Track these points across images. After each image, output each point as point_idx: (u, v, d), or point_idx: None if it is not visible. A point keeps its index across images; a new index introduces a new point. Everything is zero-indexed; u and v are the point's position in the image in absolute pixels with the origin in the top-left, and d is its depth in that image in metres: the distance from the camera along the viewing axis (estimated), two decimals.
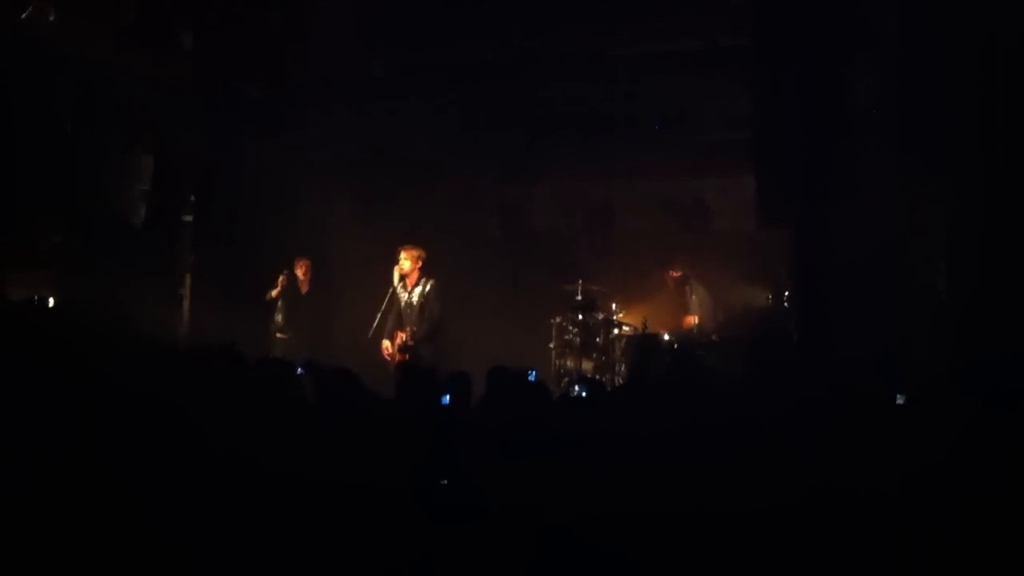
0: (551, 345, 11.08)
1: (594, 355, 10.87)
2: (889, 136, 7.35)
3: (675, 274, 11.46)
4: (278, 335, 10.88)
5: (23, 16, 8.19)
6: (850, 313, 7.22)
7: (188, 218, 11.18)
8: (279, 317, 10.89)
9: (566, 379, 10.72)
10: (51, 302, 9.05)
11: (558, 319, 11.08)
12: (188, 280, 11.22)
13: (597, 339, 10.91)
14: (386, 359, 9.61)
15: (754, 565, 3.22)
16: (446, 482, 3.74)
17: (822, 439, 3.92)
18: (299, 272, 11.21)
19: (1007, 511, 3.19)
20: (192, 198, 11.13)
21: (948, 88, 6.91)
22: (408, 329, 9.55)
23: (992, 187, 6.60)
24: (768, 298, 10.46)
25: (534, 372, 9.99)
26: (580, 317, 10.89)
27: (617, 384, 10.41)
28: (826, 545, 3.21)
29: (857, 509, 3.29)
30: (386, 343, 9.63)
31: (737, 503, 3.39)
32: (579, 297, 10.94)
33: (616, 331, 10.86)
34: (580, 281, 10.96)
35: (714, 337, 10.72)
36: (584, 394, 8.04)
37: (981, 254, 6.59)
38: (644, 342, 10.30)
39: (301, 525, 3.29)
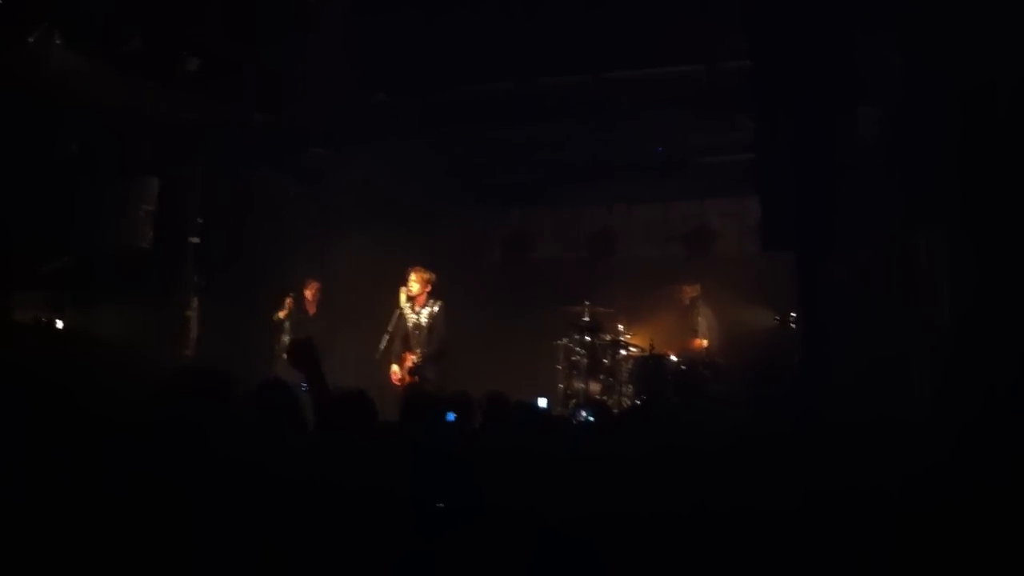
0: (558, 367, 11.06)
1: (601, 376, 10.85)
2: (892, 170, 7.35)
3: (690, 294, 11.44)
4: (284, 356, 10.85)
5: (30, 39, 8.25)
6: (853, 343, 7.20)
7: (195, 240, 11.20)
8: (286, 339, 10.89)
9: (573, 401, 10.70)
10: (59, 324, 9.10)
11: (564, 340, 11.06)
12: (195, 302, 11.22)
13: (604, 360, 10.89)
14: (395, 382, 9.58)
15: (753, 566, 3.21)
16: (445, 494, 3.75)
17: (821, 445, 3.94)
18: (308, 294, 11.26)
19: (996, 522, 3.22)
20: (199, 220, 11.15)
21: (950, 124, 6.90)
22: (416, 350, 9.54)
23: (992, 224, 6.58)
24: (775, 319, 10.43)
25: (545, 400, 10.05)
26: (587, 338, 10.87)
27: (624, 405, 10.39)
28: (824, 547, 3.21)
29: (854, 513, 3.29)
30: (395, 367, 9.60)
31: (736, 504, 3.39)
32: (586, 319, 10.93)
33: (623, 352, 10.84)
34: (587, 303, 10.95)
35: (719, 360, 10.71)
36: (591, 419, 8.03)
37: (982, 290, 6.57)
38: (652, 365, 10.31)
39: (302, 528, 3.29)
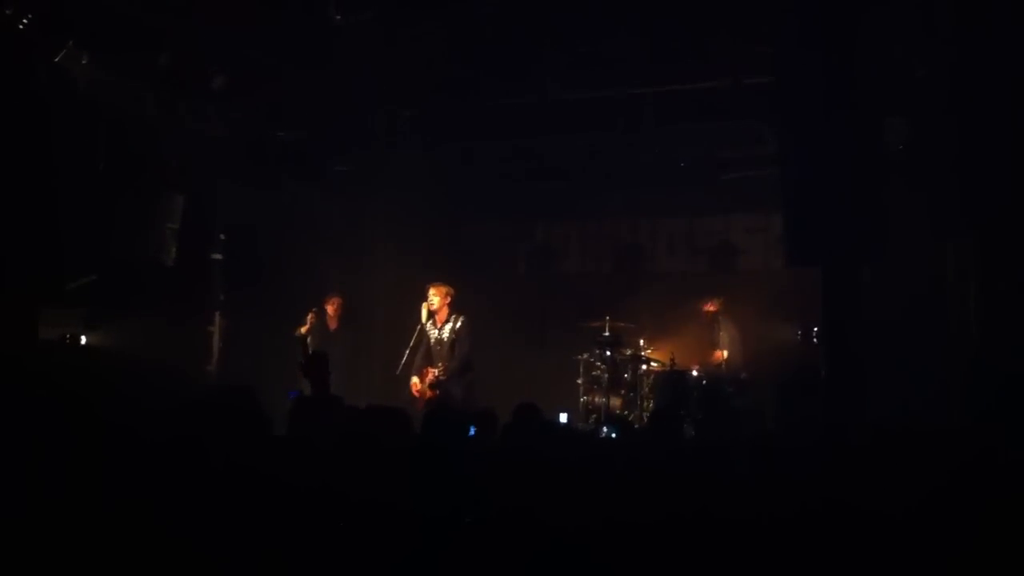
0: (579, 381, 11.04)
1: (622, 391, 10.83)
2: (919, 180, 7.32)
3: (711, 308, 11.43)
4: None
5: (56, 59, 8.32)
6: (880, 356, 7.17)
7: (218, 256, 11.28)
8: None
9: (594, 416, 10.68)
10: (83, 340, 9.16)
11: (585, 355, 11.04)
12: (218, 318, 11.29)
13: (625, 375, 10.87)
14: (415, 396, 9.58)
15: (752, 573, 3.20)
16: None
17: (829, 458, 3.93)
18: (330, 309, 11.28)
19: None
20: (222, 237, 11.23)
21: (980, 137, 6.87)
22: (439, 365, 9.52)
23: (1020, 233, 6.55)
24: (798, 335, 10.38)
25: (566, 414, 10.01)
26: (608, 353, 10.84)
27: (645, 420, 10.35)
28: (823, 558, 3.20)
29: (857, 527, 3.28)
30: (415, 380, 9.60)
31: (736, 512, 3.38)
32: (607, 333, 10.91)
33: (644, 367, 10.81)
34: (607, 318, 10.93)
35: (743, 375, 10.67)
36: (613, 435, 8.01)
37: (1011, 299, 6.53)
38: (674, 379, 10.28)
39: (308, 533, 3.30)
